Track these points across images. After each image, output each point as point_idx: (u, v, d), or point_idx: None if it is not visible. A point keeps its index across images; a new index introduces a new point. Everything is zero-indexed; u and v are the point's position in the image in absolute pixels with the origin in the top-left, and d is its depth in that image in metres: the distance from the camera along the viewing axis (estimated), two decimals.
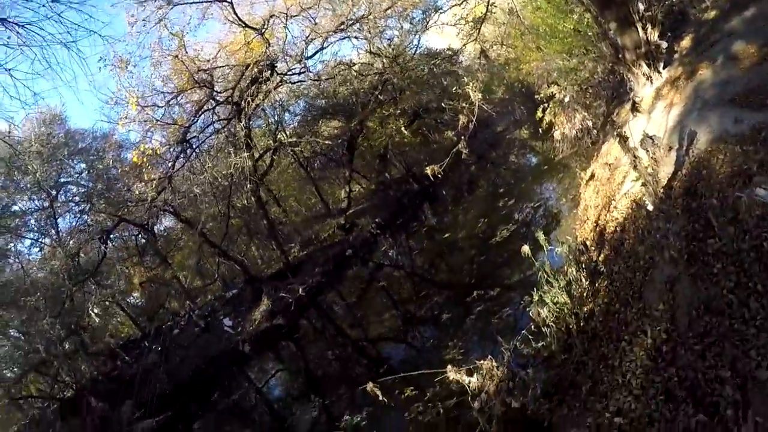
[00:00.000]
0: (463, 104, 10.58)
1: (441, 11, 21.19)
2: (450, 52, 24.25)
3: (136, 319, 21.73)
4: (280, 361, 15.62)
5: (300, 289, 18.26)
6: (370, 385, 6.04)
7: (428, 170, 10.94)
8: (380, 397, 6.00)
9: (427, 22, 21.27)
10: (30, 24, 6.91)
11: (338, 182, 27.51)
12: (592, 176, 10.23)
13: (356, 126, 22.18)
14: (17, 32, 6.87)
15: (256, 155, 18.16)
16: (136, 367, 17.48)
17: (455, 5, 20.94)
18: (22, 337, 19.18)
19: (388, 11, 19.74)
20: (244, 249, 25.02)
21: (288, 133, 22.81)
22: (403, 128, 24.43)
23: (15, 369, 19.23)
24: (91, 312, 16.20)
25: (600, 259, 6.69)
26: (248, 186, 18.64)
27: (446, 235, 16.88)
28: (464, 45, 23.87)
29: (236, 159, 16.88)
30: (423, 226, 20.41)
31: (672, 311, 4.51)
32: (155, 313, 20.56)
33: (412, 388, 7.32)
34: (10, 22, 6.80)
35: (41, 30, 7.02)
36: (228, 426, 12.91)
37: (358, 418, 7.82)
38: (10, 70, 6.95)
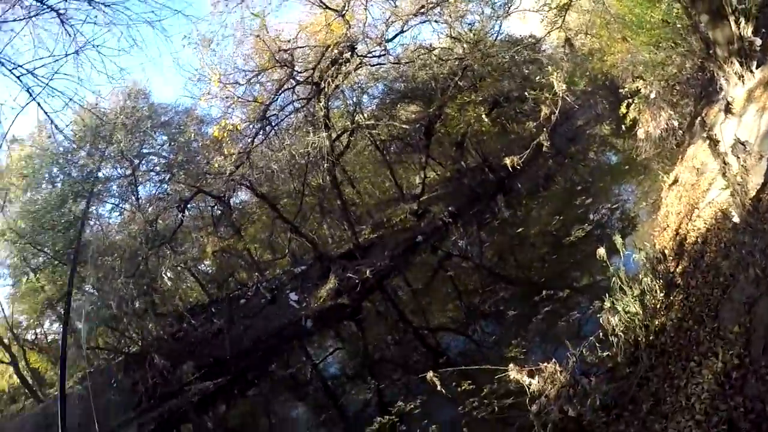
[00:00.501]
0: (546, 95, 10.20)
1: None
2: (532, 40, 23.32)
3: (205, 286, 22.79)
4: (341, 340, 15.84)
5: (367, 271, 18.48)
6: (430, 374, 5.98)
7: (507, 161, 10.68)
8: (438, 387, 5.94)
9: (509, 8, 20.35)
10: (116, 3, 7.24)
11: (413, 167, 27.50)
12: (676, 181, 9.57)
13: (435, 111, 21.93)
14: (104, 11, 7.22)
15: (334, 135, 18.34)
16: (200, 331, 18.41)
17: None
18: (96, 293, 20.55)
19: None
20: (316, 227, 25.56)
21: (365, 115, 22.95)
22: (483, 116, 23.96)
23: (86, 322, 20.71)
24: (164, 275, 17.06)
25: (677, 270, 6.27)
26: (324, 165, 18.96)
27: (519, 229, 16.42)
28: (548, 33, 23.12)
29: (314, 138, 17.18)
30: (495, 219, 19.95)
31: (748, 335, 4.16)
32: (224, 282, 21.37)
33: (469, 382, 7.18)
34: (96, 2, 7.15)
35: (126, 9, 7.33)
36: (282, 396, 13.21)
37: (411, 406, 7.81)
38: (97, 46, 7.30)
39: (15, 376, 22.35)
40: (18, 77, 7.25)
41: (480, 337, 10.13)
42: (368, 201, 27.45)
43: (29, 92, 7.29)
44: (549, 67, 19.90)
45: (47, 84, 7.37)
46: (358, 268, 18.90)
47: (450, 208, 21.69)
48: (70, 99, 7.44)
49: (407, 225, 22.22)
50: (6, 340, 21.94)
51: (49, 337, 27.25)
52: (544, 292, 9.13)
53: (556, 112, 10.19)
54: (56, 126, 7.94)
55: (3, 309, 23.63)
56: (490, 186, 25.37)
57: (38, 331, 26.50)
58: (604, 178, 17.98)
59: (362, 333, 14.99)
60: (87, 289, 22.18)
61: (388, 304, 16.88)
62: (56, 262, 20.58)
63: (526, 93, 22.96)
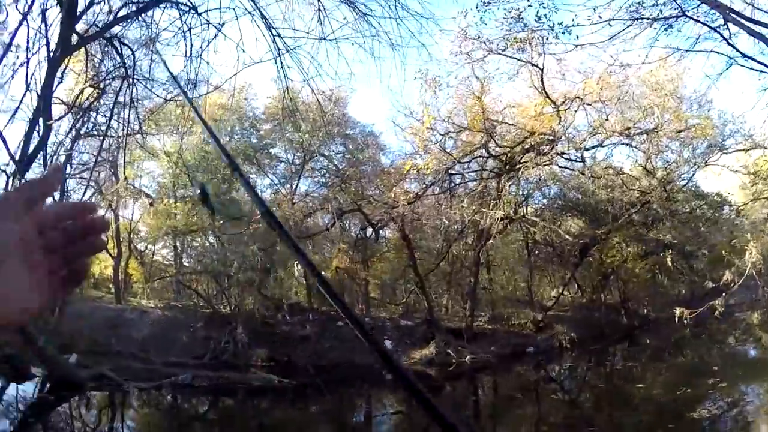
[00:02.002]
0: (735, 259, 9.21)
1: (725, 151, 19.46)
2: (718, 199, 21.97)
3: (311, 294, 23.12)
4: (410, 406, 15.15)
5: (467, 357, 17.80)
6: None
7: (677, 311, 9.71)
8: None
9: (708, 158, 19.79)
10: (373, 17, 7.50)
11: (553, 280, 26.54)
12: None
13: (600, 235, 20.92)
14: (357, 18, 7.50)
15: (497, 217, 18.06)
16: (289, 329, 18.53)
17: (740, 150, 18.91)
18: (217, 245, 21.54)
19: (679, 134, 18.21)
20: (439, 293, 25.30)
21: (530, 210, 22.43)
22: (640, 258, 22.60)
23: (197, 263, 21.68)
24: (295, 265, 17.46)
25: None
26: (473, 241, 18.77)
27: (627, 385, 15.07)
28: (741, 206, 21.42)
29: (486, 211, 17.01)
30: (610, 364, 18.55)
31: None
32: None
33: None
34: (357, 8, 7.39)
35: (378, 24, 7.58)
36: (320, 425, 12.79)
37: None
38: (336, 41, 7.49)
39: (110, 270, 23.95)
40: (270, 34, 7.62)
41: None
42: (497, 292, 26.70)
43: (276, 50, 7.61)
44: (747, 234, 18.59)
45: (292, 50, 7.66)
46: (460, 348, 18.27)
47: (573, 334, 20.39)
48: (308, 77, 7.70)
49: (524, 331, 21.28)
50: (121, 238, 23.48)
51: (156, 257, 29.19)
52: None
53: (739, 282, 9.19)
54: (288, 91, 8.17)
55: (133, 213, 25.56)
56: (619, 329, 23.69)
57: (149, 247, 28.46)
58: (738, 370, 16.06)
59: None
60: (211, 240, 23.49)
61: (469, 396, 15.98)
62: (201, 204, 21.72)
63: (699, 253, 21.57)
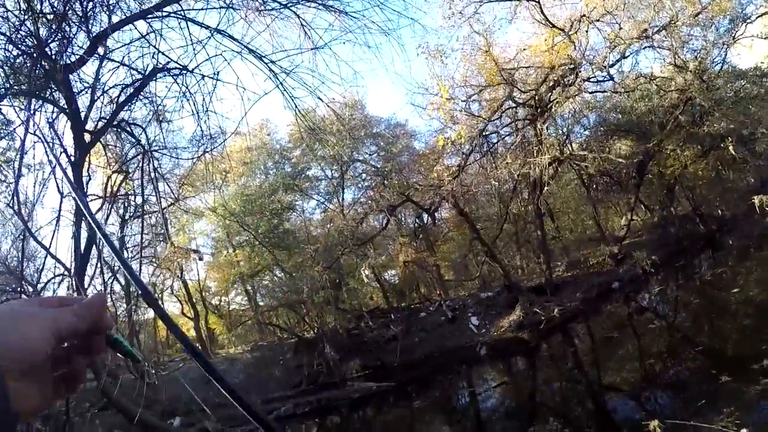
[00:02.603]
0: None
1: (749, 21, 18.37)
2: (758, 72, 20.73)
3: (387, 293, 23.39)
4: (510, 374, 14.98)
5: (555, 310, 17.49)
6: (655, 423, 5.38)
7: (756, 200, 9.19)
8: None
9: (734, 34, 18.64)
10: (353, 12, 7.38)
11: (618, 208, 25.63)
12: None
13: (652, 148, 20.10)
14: (340, 18, 7.40)
15: (545, 164, 17.67)
16: (375, 334, 18.69)
17: (764, 14, 17.83)
18: (285, 277, 21.99)
19: (697, 18, 17.21)
20: (510, 256, 25.07)
21: (575, 146, 21.86)
22: (699, 158, 21.62)
23: (271, 299, 22.23)
24: (362, 272, 17.67)
25: None
26: (528, 194, 18.44)
27: (723, 293, 14.41)
28: None
29: (531, 160, 16.68)
30: (698, 277, 17.80)
31: None
32: (407, 293, 21.74)
33: None
34: (334, 9, 7.33)
35: (363, 17, 7.45)
36: (433, 416, 12.73)
37: None
38: (328, 45, 7.48)
39: (193, 331, 24.93)
40: (264, 64, 7.67)
41: (649, 407, 8.74)
42: (567, 237, 26.21)
43: (275, 78, 7.65)
44: None
45: (290, 71, 7.69)
46: (546, 304, 17.97)
47: (653, 258, 19.69)
48: (313, 89, 7.71)
49: (604, 268, 20.71)
50: (194, 299, 24.30)
51: (231, 307, 30.14)
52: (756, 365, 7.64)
53: None
54: (298, 109, 8.23)
55: (199, 273, 26.49)
56: (698, 238, 22.74)
57: (223, 298, 29.47)
58: None
59: (533, 373, 14.03)
60: (279, 274, 24.07)
61: (567, 348, 15.63)
62: (256, 243, 22.36)
63: (757, 134, 20.44)
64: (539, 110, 17.93)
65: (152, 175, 9.68)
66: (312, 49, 7.61)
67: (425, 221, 22.89)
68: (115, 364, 14.73)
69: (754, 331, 10.25)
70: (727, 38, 18.90)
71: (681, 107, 19.29)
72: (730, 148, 18.42)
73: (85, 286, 10.03)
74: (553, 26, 16.46)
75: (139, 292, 0.89)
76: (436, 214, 21.32)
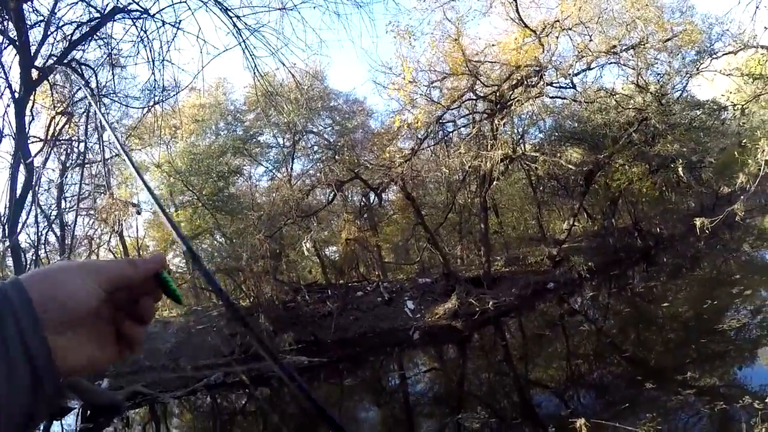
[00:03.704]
0: (750, 161, 9.00)
1: (715, 56, 19.00)
2: (715, 106, 21.72)
3: (326, 268, 23.24)
4: (441, 361, 15.18)
5: (490, 303, 17.84)
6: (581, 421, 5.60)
7: (698, 222, 9.56)
8: None
9: (699, 66, 19.27)
10: None
11: (562, 213, 26.38)
12: None
13: (602, 160, 20.66)
14: None
15: (497, 159, 17.87)
16: (310, 308, 18.54)
17: (729, 53, 18.55)
18: (225, 242, 21.57)
19: (666, 44, 17.78)
20: (452, 245, 25.30)
21: (527, 146, 22.21)
22: (646, 176, 22.36)
23: (209, 264, 21.77)
24: (304, 244, 17.40)
25: None
26: (477, 187, 18.61)
27: (651, 306, 15.00)
28: (744, 104, 21.08)
29: (484, 154, 16.79)
30: (631, 288, 18.46)
31: None
32: (347, 271, 21.65)
33: None
34: None
35: None
36: (361, 395, 12.81)
37: None
38: (296, 7, 7.27)
39: None
40: (229, 18, 7.38)
41: (574, 405, 9.02)
42: (509, 234, 26.72)
43: (238, 35, 7.39)
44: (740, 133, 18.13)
45: (255, 30, 7.44)
46: (481, 296, 18.28)
47: (590, 264, 20.35)
48: (276, 50, 7.46)
49: (542, 268, 21.24)
50: (131, 257, 23.50)
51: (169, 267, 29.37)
52: (680, 377, 7.95)
53: (754, 184, 9.00)
54: (258, 70, 7.97)
55: (138, 230, 25.69)
56: (634, 251, 23.66)
57: None
58: (758, 276, 15.91)
59: (463, 362, 14.25)
60: (219, 239, 23.54)
61: (498, 341, 15.98)
62: (199, 205, 21.78)
63: (702, 161, 21.28)
64: (498, 106, 18.11)
65: (98, 121, 9.25)
66: (280, 9, 7.35)
67: (372, 201, 22.84)
68: None
69: (678, 344, 10.67)
70: (691, 68, 19.60)
71: (636, 125, 19.94)
72: (679, 170, 19.07)
73: (17, 232, 9.53)
74: (526, 26, 16.58)
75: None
76: (383, 194, 21.35)
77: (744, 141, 19.56)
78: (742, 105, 20.80)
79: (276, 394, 13.43)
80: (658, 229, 27.32)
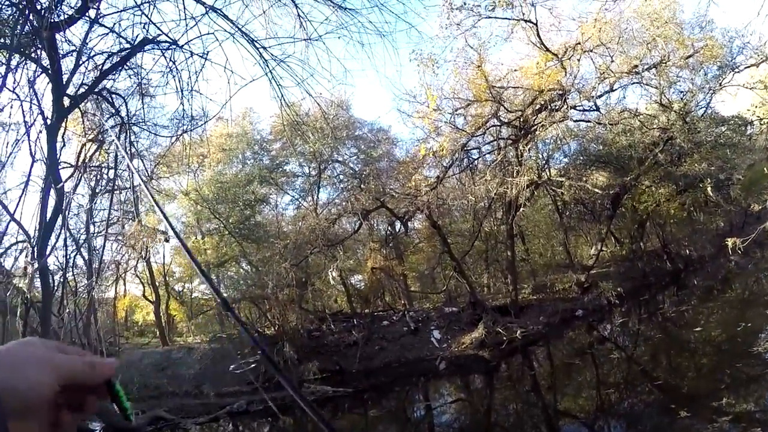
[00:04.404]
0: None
1: (737, 70, 18.76)
2: (740, 121, 21.35)
3: (352, 297, 23.21)
4: (467, 391, 14.96)
5: (518, 332, 17.57)
6: None
7: (729, 242, 9.34)
8: None
9: (721, 81, 19.05)
10: (352, 8, 7.26)
11: (589, 238, 25.98)
12: None
13: (629, 182, 20.40)
14: (337, 13, 7.29)
15: (523, 185, 17.78)
16: (336, 338, 18.44)
17: (752, 65, 18.26)
18: (251, 270, 21.66)
19: (687, 61, 17.46)
20: (478, 273, 25.14)
21: (553, 171, 22.08)
22: (673, 197, 22.01)
23: (234, 292, 21.87)
24: (330, 273, 17.45)
25: None
26: (501, 214, 18.54)
27: (683, 331, 14.63)
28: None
29: (509, 180, 16.75)
30: (661, 312, 18.08)
31: None
32: (372, 300, 21.60)
33: None
34: (332, 2, 7.21)
35: (361, 15, 7.32)
36: (383, 426, 12.69)
37: None
38: (321, 37, 7.32)
39: (152, 315, 24.29)
40: (256, 49, 7.50)
41: None
42: (536, 261, 26.44)
43: (264, 65, 7.49)
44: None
45: (281, 60, 7.54)
46: (509, 325, 18.03)
47: (619, 289, 19.99)
48: (302, 80, 7.54)
49: (570, 295, 20.95)
50: (157, 283, 23.74)
51: (194, 294, 29.54)
52: (715, 404, 7.70)
53: None
54: (284, 100, 8.06)
55: (165, 256, 25.91)
56: (664, 275, 23.20)
57: (186, 285, 28.85)
58: None
59: (490, 392, 14.03)
60: (245, 267, 23.69)
61: (526, 370, 15.70)
62: (226, 233, 21.98)
63: (730, 178, 20.88)
64: (523, 132, 18.09)
65: (128, 149, 9.44)
66: (305, 39, 7.45)
67: (398, 230, 22.85)
68: (69, 341, 14.28)
69: (712, 369, 10.37)
70: (714, 84, 19.36)
71: (661, 145, 19.62)
72: (708, 189, 18.75)
73: (46, 254, 9.70)
74: (547, 50, 16.58)
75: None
76: (409, 223, 21.35)
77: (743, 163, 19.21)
78: (743, 121, 20.46)
79: (298, 423, 13.37)
80: (687, 251, 26.78)
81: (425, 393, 15.03)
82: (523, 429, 10.32)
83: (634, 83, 18.82)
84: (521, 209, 19.32)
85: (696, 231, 26.82)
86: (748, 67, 18.82)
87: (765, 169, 12.32)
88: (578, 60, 17.11)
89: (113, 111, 9.61)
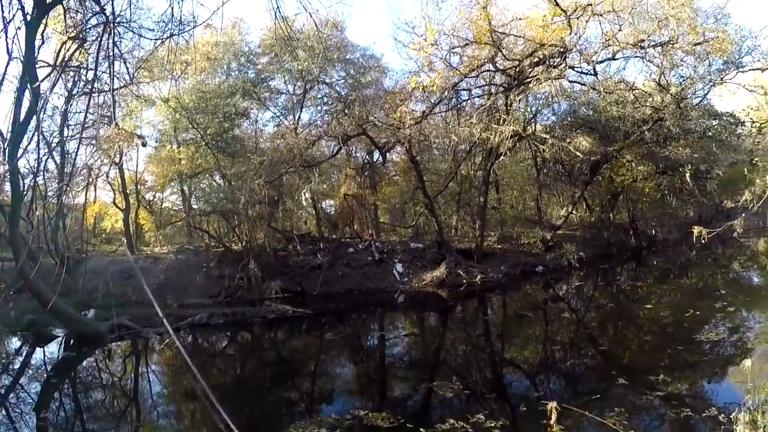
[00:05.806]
0: (757, 178, 8.88)
1: (742, 69, 18.80)
2: (731, 119, 21.63)
3: (321, 221, 23.27)
4: (422, 327, 15.25)
5: (478, 277, 18.02)
6: (552, 404, 5.79)
7: (695, 230, 9.43)
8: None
9: (724, 76, 19.10)
10: None
11: (562, 199, 26.38)
12: None
13: (611, 153, 20.50)
14: None
15: (507, 134, 17.67)
16: (301, 259, 18.62)
17: (757, 69, 18.27)
18: (224, 184, 21.41)
19: (695, 48, 17.39)
20: (448, 214, 25.32)
21: (538, 127, 22.00)
22: (651, 177, 22.25)
23: (205, 204, 21.69)
24: (303, 194, 17.33)
25: None
26: (482, 160, 18.50)
27: (633, 305, 15.05)
28: (763, 123, 20.89)
29: (494, 127, 16.63)
30: (617, 284, 18.53)
31: None
32: (341, 226, 21.63)
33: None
34: None
35: None
36: (339, 350, 12.85)
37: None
38: None
39: (121, 223, 23.98)
40: None
41: (546, 389, 9.06)
42: (506, 211, 26.76)
43: None
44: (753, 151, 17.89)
45: None
46: (471, 269, 18.44)
47: (581, 254, 20.43)
48: None
49: (533, 251, 21.41)
50: (128, 190, 23.34)
51: (164, 204, 29.18)
52: (653, 378, 8.00)
53: (758, 204, 8.93)
54: (280, 11, 7.70)
55: (138, 164, 25.41)
56: (627, 249, 23.83)
57: (158, 195, 28.44)
58: (743, 295, 15.94)
59: (443, 331, 14.31)
60: (218, 180, 23.37)
61: (480, 315, 16.04)
62: (203, 144, 21.58)
63: (710, 171, 21.12)
64: (516, 82, 17.94)
65: (110, 50, 8.99)
66: None
67: (375, 159, 22.68)
68: (36, 246, 14.04)
69: (654, 347, 10.69)
70: (716, 77, 19.37)
71: (650, 124, 19.74)
72: (687, 176, 18.93)
73: (17, 156, 9.40)
74: (557, 4, 16.12)
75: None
76: (387, 154, 21.21)
77: (756, 159, 19.43)
78: (761, 124, 20.56)
79: (257, 340, 13.53)
80: (653, 231, 27.42)
81: (381, 323, 15.28)
82: (469, 371, 10.51)
83: (636, 57, 18.68)
84: (501, 158, 19.36)
85: (666, 214, 27.36)
86: (754, 69, 18.79)
87: (745, 170, 12.43)
88: (586, 21, 16.77)
89: (98, 9, 9.06)
